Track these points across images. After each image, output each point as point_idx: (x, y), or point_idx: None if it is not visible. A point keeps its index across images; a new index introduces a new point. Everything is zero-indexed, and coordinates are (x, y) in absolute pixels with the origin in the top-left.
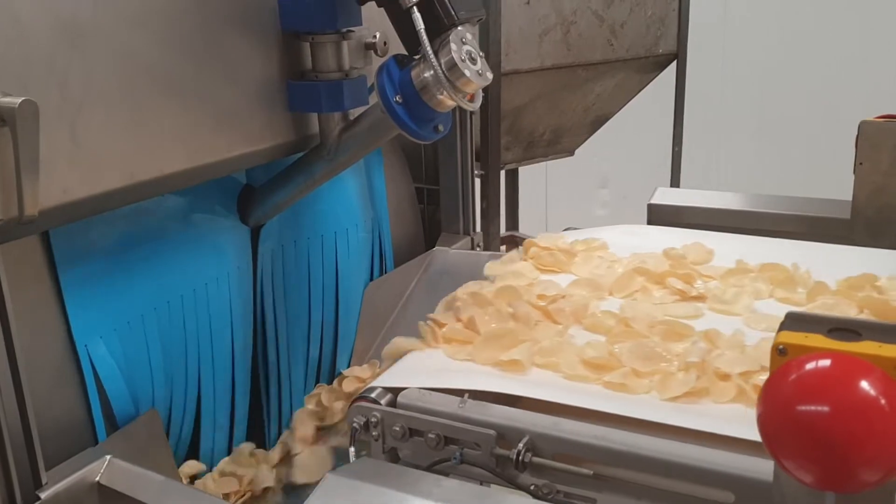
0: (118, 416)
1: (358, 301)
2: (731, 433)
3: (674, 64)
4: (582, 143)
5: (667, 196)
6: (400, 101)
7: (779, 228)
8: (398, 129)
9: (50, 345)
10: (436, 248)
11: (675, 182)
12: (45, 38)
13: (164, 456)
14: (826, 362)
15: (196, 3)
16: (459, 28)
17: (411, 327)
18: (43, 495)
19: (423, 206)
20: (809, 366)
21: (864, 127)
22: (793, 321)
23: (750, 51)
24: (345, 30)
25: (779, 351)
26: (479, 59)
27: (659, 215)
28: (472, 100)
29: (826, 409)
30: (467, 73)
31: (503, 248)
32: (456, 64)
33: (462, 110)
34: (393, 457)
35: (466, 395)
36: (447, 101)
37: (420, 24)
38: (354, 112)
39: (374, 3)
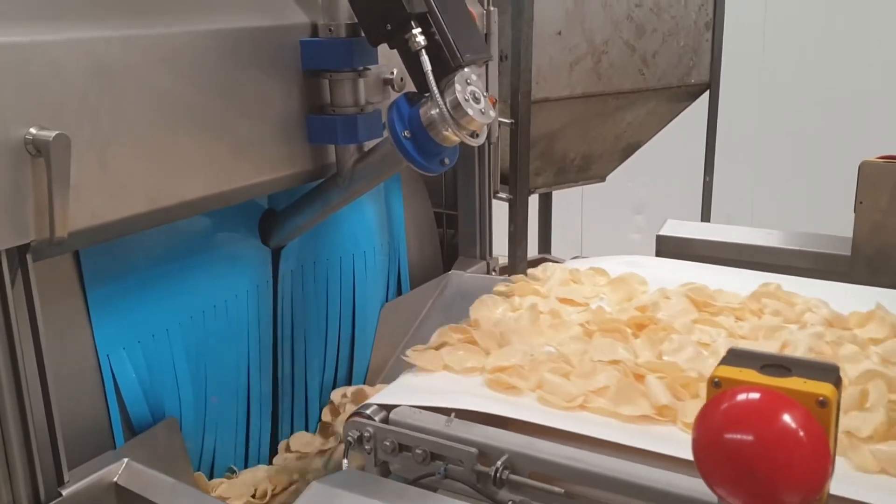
0: (135, 423)
1: (374, 321)
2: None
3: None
4: (613, 170)
5: (676, 228)
6: (408, 135)
7: (781, 263)
8: (407, 162)
9: (77, 354)
10: (451, 271)
11: (705, 211)
12: (80, 79)
13: (181, 461)
14: (755, 395)
15: (222, 45)
16: (465, 69)
17: None
18: (65, 492)
19: (443, 230)
20: (739, 398)
21: (863, 167)
22: (732, 356)
23: (788, 83)
24: (361, 68)
25: (714, 383)
26: (482, 98)
27: (668, 246)
28: (475, 136)
29: (751, 437)
30: (470, 112)
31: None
32: (460, 104)
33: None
34: (384, 470)
35: (453, 414)
36: (452, 136)
37: (427, 66)
38: (369, 143)
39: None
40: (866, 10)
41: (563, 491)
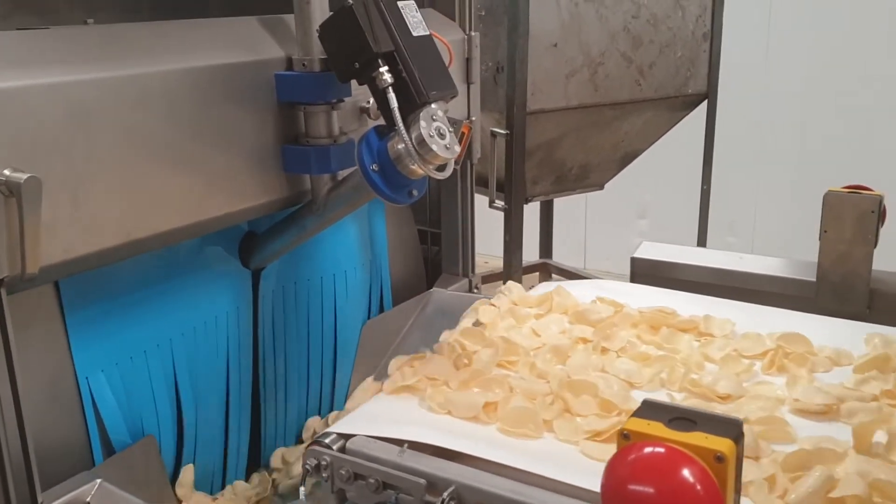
0: (115, 443)
1: (355, 339)
2: None
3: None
4: (611, 178)
5: (650, 251)
6: (376, 169)
7: (752, 287)
8: (375, 194)
9: (56, 377)
10: (433, 288)
11: (703, 220)
12: (54, 122)
13: (159, 480)
14: (659, 450)
15: (196, 83)
16: (432, 105)
17: None
18: None
19: (427, 247)
20: (644, 451)
21: (828, 197)
22: (645, 408)
23: (790, 91)
24: (334, 100)
25: (623, 436)
26: (448, 133)
27: (641, 268)
28: (441, 169)
29: (651, 490)
30: (434, 147)
31: (537, 274)
32: (424, 140)
33: (465, 157)
34: (340, 497)
35: (406, 445)
36: (418, 170)
37: (394, 102)
38: (344, 172)
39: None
40: (872, 21)
41: None
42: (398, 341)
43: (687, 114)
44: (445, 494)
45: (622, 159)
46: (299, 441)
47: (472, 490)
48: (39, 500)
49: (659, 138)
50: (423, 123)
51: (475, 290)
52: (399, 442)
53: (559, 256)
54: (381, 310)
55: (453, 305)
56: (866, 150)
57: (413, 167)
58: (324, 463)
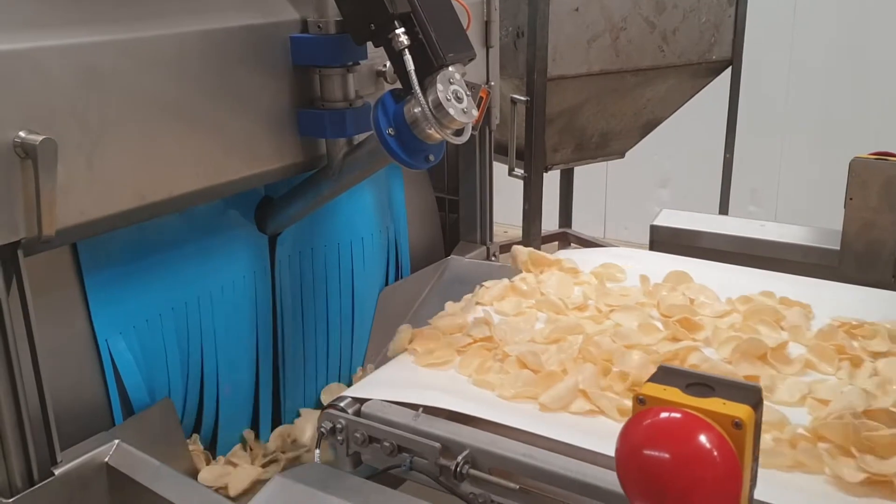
0: (135, 404)
1: (372, 305)
2: None
3: (729, 70)
4: (633, 146)
5: (670, 218)
6: (392, 133)
7: (773, 255)
8: (391, 158)
9: (75, 340)
10: (451, 256)
11: (725, 189)
12: (69, 84)
13: (177, 441)
14: (675, 415)
15: (211, 45)
16: (449, 68)
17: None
18: (57, 472)
19: (445, 214)
20: (660, 416)
21: (854, 164)
22: (661, 373)
23: (818, 58)
24: (350, 63)
25: (639, 400)
26: (465, 97)
27: (661, 236)
28: (459, 134)
29: (667, 455)
30: (451, 111)
31: (556, 244)
32: (441, 103)
33: (484, 123)
34: (356, 460)
35: (420, 409)
36: (435, 135)
37: (410, 65)
38: (360, 136)
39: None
40: None
41: (517, 487)
42: (415, 308)
43: (711, 80)
44: (460, 458)
45: (644, 127)
46: (318, 406)
47: (487, 454)
48: (59, 459)
49: (682, 105)
50: (439, 87)
51: (493, 259)
52: (414, 406)
53: (578, 226)
54: (399, 277)
55: (471, 273)
56: (892, 117)
57: (430, 131)
58: (339, 426)
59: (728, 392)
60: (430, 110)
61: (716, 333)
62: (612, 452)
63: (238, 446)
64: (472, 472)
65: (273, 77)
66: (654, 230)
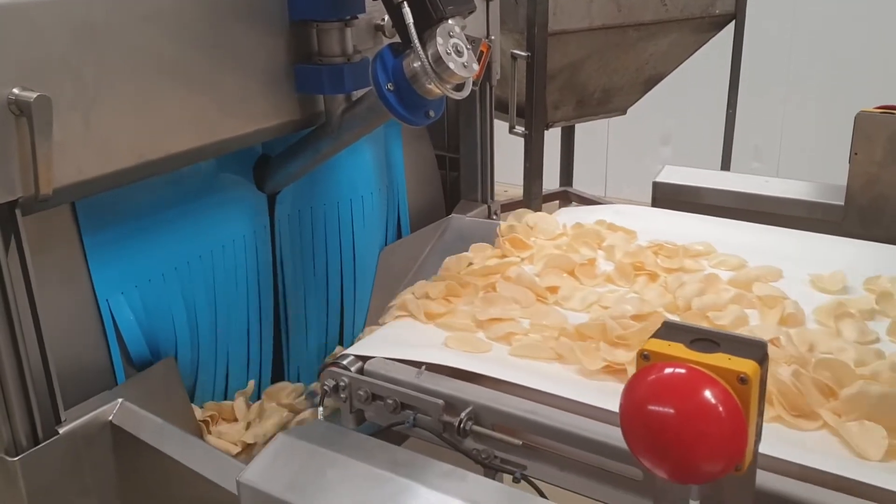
0: (136, 363)
1: (373, 265)
2: None
3: (732, 24)
4: (634, 103)
5: (671, 175)
6: (392, 88)
7: (776, 211)
8: (390, 114)
9: (76, 299)
10: (452, 215)
11: (727, 144)
12: (62, 39)
13: (179, 399)
14: (680, 370)
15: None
16: (449, 21)
17: None
18: (61, 430)
19: (446, 172)
20: (664, 372)
21: (859, 118)
22: (665, 329)
23: (819, 13)
24: (348, 17)
25: (643, 356)
26: (465, 51)
27: (663, 193)
28: (459, 89)
29: (671, 411)
30: (452, 65)
31: (557, 202)
32: (441, 57)
33: (484, 79)
34: (359, 417)
35: (423, 366)
36: (435, 90)
37: (409, 18)
38: (359, 92)
39: None
40: None
41: (520, 443)
42: (416, 267)
43: (713, 35)
44: (463, 415)
45: (646, 83)
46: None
47: (490, 410)
48: (62, 418)
49: (684, 61)
50: (439, 40)
51: (494, 217)
52: (417, 364)
53: (579, 184)
54: (399, 236)
55: (472, 231)
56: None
57: (429, 86)
58: (342, 384)
59: (733, 347)
60: (429, 64)
61: (539, 251)
62: (616, 408)
63: (240, 400)
64: (476, 428)
65: (269, 32)
66: (657, 187)
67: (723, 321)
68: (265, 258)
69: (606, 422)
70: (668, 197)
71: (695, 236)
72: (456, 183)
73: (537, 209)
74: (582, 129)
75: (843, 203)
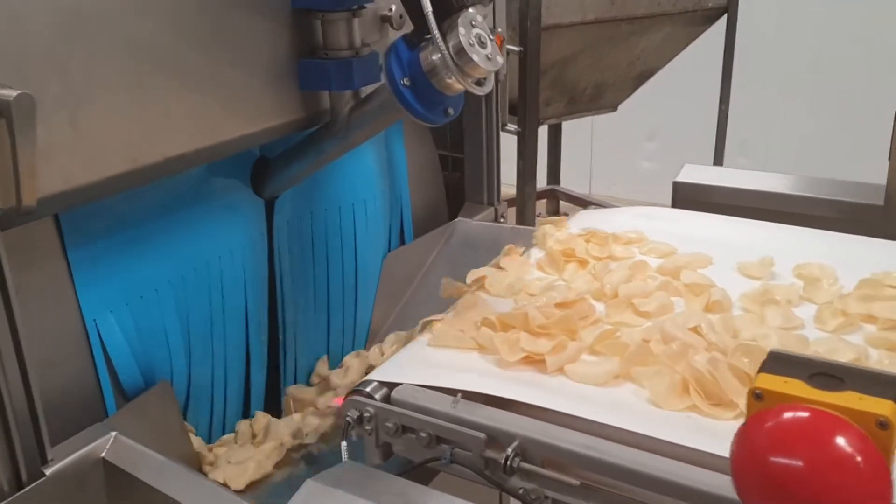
0: (127, 389)
1: (376, 273)
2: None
3: (724, 18)
4: (625, 99)
5: (694, 174)
6: (408, 83)
7: (809, 212)
8: (406, 112)
9: (61, 321)
10: (458, 218)
11: (720, 141)
12: (45, 30)
13: (175, 427)
14: (803, 414)
15: None
16: (470, 10)
17: (430, 300)
18: (48, 472)
19: (448, 173)
20: (786, 416)
21: None
22: (774, 361)
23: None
24: (356, 7)
25: (755, 395)
26: (489, 42)
27: (685, 193)
28: (481, 83)
29: (799, 463)
30: (475, 58)
31: (545, 201)
32: (463, 48)
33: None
34: (386, 451)
35: (459, 394)
36: (456, 85)
37: (428, 6)
38: (366, 89)
39: None
40: None
41: (578, 482)
42: (421, 275)
43: (705, 29)
44: (510, 450)
45: (637, 78)
46: (309, 384)
47: (540, 444)
48: (49, 457)
49: (676, 55)
50: (461, 30)
51: (501, 220)
52: (451, 391)
53: (563, 181)
54: (402, 241)
55: (480, 236)
56: (888, 67)
57: (450, 81)
58: (367, 415)
59: (862, 383)
60: (450, 57)
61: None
62: (699, 446)
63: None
64: (524, 465)
65: (271, 23)
66: (678, 187)
67: (648, 308)
68: (262, 267)
69: (679, 459)
70: (689, 198)
71: (757, 244)
72: (458, 184)
73: (531, 210)
74: (565, 126)
75: (882, 203)
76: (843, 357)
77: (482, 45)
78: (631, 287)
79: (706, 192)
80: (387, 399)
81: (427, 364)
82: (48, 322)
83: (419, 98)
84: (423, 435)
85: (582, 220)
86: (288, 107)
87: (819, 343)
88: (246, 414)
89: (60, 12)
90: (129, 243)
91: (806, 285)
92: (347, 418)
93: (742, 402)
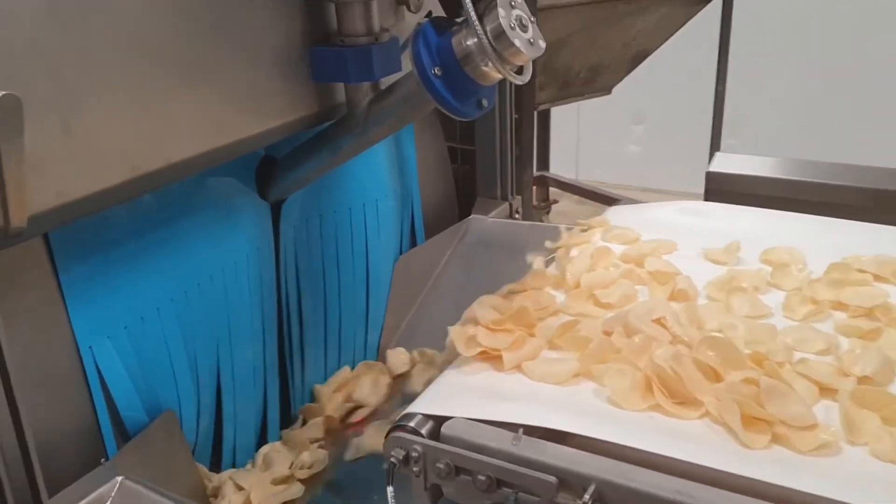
0: (128, 421)
1: (388, 276)
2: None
3: None
4: (619, 81)
5: (726, 163)
6: (439, 73)
7: (843, 201)
8: (435, 104)
9: (54, 351)
10: (471, 216)
11: (717, 122)
12: (31, 22)
13: (183, 460)
14: None
15: None
16: None
17: (444, 304)
18: None
19: (457, 166)
20: None
21: None
22: None
23: None
24: None
25: None
26: (530, 25)
27: (717, 184)
28: (521, 72)
29: None
30: (517, 42)
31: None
32: (504, 32)
33: None
34: (435, 493)
35: (521, 429)
36: (493, 73)
37: None
38: (385, 80)
39: None
40: None
41: None
42: (435, 277)
43: (702, 8)
44: (587, 496)
45: (632, 59)
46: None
47: (621, 489)
48: None
49: (671, 35)
50: (501, 11)
51: (516, 216)
52: (510, 426)
53: (553, 168)
54: (414, 241)
55: (496, 235)
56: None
57: (486, 69)
58: (414, 454)
59: None
60: (489, 43)
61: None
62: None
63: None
64: None
65: (281, 7)
66: (711, 177)
67: (610, 299)
68: (270, 276)
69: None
70: (724, 188)
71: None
72: (467, 177)
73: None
74: (552, 111)
75: None
76: (814, 347)
77: (523, 28)
78: (593, 277)
79: (740, 183)
80: (435, 435)
81: (474, 391)
82: (39, 352)
83: (451, 89)
84: (481, 478)
85: (614, 217)
86: (300, 102)
87: (788, 332)
88: (262, 432)
89: (50, 2)
90: (126, 260)
91: (774, 270)
92: (392, 459)
93: (707, 400)
